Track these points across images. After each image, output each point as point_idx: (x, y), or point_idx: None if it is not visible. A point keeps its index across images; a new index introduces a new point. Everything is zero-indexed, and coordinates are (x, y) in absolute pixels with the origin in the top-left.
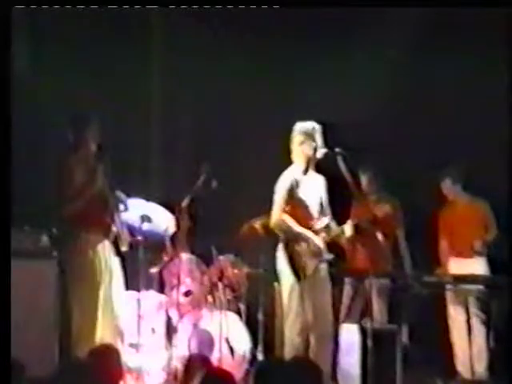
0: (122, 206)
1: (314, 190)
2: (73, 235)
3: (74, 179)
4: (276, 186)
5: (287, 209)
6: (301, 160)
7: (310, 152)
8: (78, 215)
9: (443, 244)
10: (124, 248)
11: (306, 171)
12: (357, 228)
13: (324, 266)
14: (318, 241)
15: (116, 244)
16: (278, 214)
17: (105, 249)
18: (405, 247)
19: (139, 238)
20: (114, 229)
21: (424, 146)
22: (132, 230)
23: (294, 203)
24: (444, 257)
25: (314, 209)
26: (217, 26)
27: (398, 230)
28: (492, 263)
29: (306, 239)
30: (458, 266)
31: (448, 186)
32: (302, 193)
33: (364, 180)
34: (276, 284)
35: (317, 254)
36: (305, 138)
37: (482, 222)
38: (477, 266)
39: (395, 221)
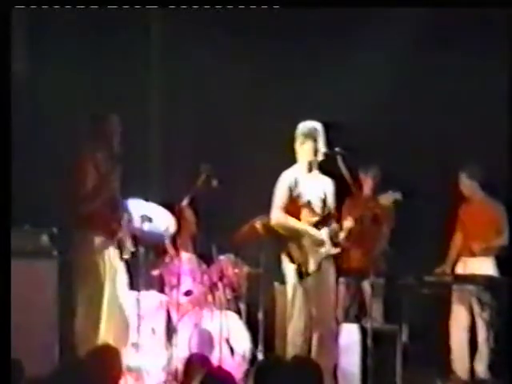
0: (126, 216)
1: (317, 188)
2: (79, 235)
3: (88, 180)
4: (276, 185)
5: (288, 207)
6: (303, 160)
7: (311, 152)
8: (87, 216)
9: (457, 240)
10: (126, 256)
11: (309, 170)
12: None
13: (329, 262)
14: (322, 234)
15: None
16: (278, 212)
17: (110, 248)
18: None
19: (140, 240)
20: (119, 233)
21: (428, 144)
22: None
23: (294, 201)
24: (454, 255)
25: (316, 206)
26: (217, 26)
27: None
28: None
29: (308, 234)
30: (465, 264)
31: (464, 182)
32: (302, 190)
33: (369, 181)
34: (276, 283)
35: (321, 248)
36: (306, 139)
37: (495, 224)
38: (484, 266)
39: (387, 219)
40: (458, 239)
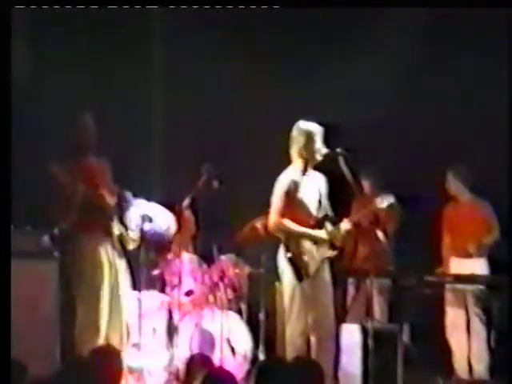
0: (127, 205)
1: (313, 189)
2: (76, 236)
3: (73, 183)
4: (274, 188)
5: (286, 210)
6: (300, 160)
7: (311, 153)
8: (81, 217)
9: (446, 242)
10: (130, 247)
11: (304, 171)
12: (356, 227)
13: (326, 265)
14: (322, 234)
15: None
16: (276, 216)
17: (109, 249)
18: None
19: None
20: (118, 228)
21: (427, 144)
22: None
23: (293, 204)
24: (446, 255)
25: (313, 209)
26: (217, 26)
27: (390, 228)
28: (492, 263)
29: (308, 236)
30: (458, 265)
31: (452, 183)
32: (301, 193)
33: (366, 183)
34: (277, 284)
35: (320, 250)
36: (306, 139)
37: (485, 223)
38: (477, 266)
39: (390, 219)
40: (446, 240)
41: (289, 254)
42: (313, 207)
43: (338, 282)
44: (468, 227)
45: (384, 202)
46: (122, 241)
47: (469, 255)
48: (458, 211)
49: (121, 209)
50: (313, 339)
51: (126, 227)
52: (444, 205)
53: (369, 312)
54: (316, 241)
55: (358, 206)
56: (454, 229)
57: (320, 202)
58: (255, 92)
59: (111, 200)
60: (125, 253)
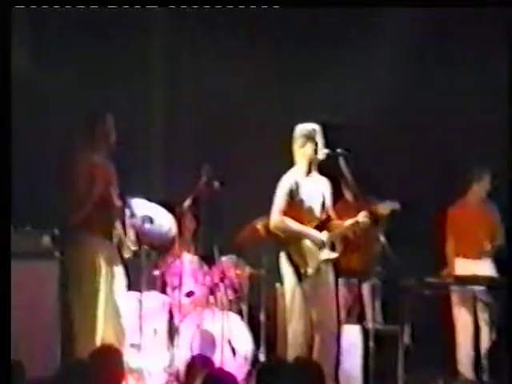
0: (128, 212)
1: (317, 191)
2: (76, 236)
3: (82, 184)
4: (276, 188)
5: (288, 210)
6: (303, 162)
7: (311, 154)
8: (83, 217)
9: (450, 243)
10: (127, 255)
11: (308, 172)
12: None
13: (328, 266)
14: (322, 236)
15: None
16: (277, 215)
17: (107, 250)
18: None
19: (143, 241)
20: (118, 233)
21: (426, 144)
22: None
23: (295, 205)
24: (450, 256)
25: (316, 210)
26: (217, 25)
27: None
28: (497, 264)
29: (308, 236)
30: (463, 266)
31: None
32: (303, 194)
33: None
34: (278, 285)
35: (320, 250)
36: (305, 140)
37: (491, 225)
38: (483, 267)
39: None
40: (451, 241)
41: (292, 268)
42: (316, 209)
43: (339, 283)
44: (477, 228)
45: (387, 207)
46: (119, 245)
47: (476, 256)
48: (465, 213)
49: (123, 213)
50: (316, 339)
51: (125, 233)
52: (449, 206)
53: (369, 313)
54: (315, 242)
55: (358, 205)
56: (459, 230)
57: (323, 204)
58: (255, 92)
59: (118, 202)
60: (123, 255)
